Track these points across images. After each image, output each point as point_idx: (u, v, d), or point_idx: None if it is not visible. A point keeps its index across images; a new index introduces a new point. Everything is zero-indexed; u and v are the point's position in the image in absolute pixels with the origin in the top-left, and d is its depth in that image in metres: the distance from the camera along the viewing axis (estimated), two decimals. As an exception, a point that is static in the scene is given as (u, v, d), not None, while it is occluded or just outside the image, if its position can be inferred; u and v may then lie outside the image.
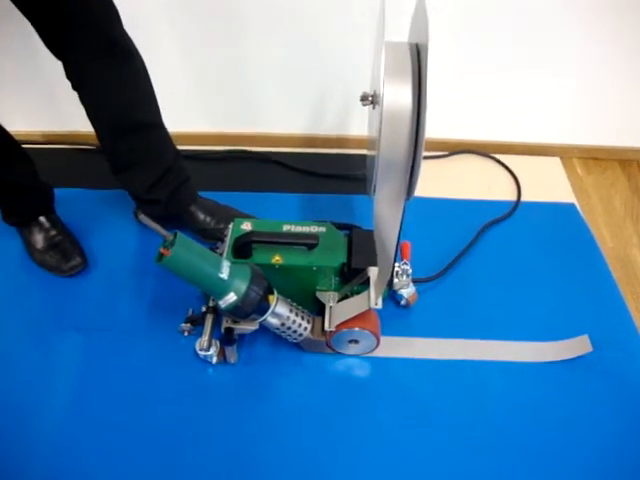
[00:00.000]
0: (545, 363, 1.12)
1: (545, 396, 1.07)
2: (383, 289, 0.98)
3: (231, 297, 0.96)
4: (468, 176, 1.57)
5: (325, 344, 1.08)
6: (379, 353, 1.11)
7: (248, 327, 1.03)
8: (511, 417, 1.04)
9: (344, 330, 1.04)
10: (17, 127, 1.55)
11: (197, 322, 1.12)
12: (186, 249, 0.93)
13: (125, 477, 0.96)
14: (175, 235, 0.92)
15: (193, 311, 1.15)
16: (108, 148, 1.19)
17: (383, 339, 1.11)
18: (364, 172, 0.91)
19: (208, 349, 1.06)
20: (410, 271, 1.13)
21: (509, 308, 1.22)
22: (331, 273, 1.06)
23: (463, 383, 1.09)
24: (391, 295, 1.18)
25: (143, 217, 0.92)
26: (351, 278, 1.06)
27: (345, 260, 1.06)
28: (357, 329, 1.04)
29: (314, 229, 1.11)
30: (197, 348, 1.07)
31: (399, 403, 1.06)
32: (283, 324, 1.02)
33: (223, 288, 0.95)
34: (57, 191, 1.32)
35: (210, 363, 1.09)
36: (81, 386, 1.07)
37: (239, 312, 0.98)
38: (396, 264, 1.13)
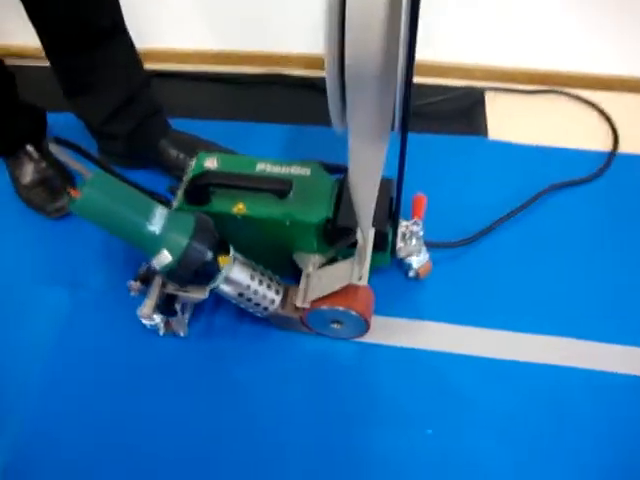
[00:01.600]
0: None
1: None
2: (367, 261, 0.71)
3: (165, 257, 0.72)
4: (550, 117, 1.20)
5: (300, 322, 0.83)
6: (373, 338, 0.85)
7: (195, 295, 0.79)
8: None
9: (323, 308, 0.79)
10: (21, 39, 1.35)
11: (149, 281, 0.90)
12: (102, 191, 0.69)
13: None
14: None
15: (149, 266, 0.92)
16: (57, 64, 0.95)
17: (380, 320, 0.85)
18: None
19: (151, 317, 0.84)
20: (422, 233, 0.85)
21: (576, 296, 0.90)
22: (311, 231, 0.80)
23: (492, 391, 0.81)
24: (397, 262, 0.90)
25: (53, 146, 0.69)
26: (337, 239, 0.80)
27: (330, 215, 0.79)
28: (341, 308, 0.78)
29: (295, 170, 0.84)
30: (138, 315, 0.84)
31: (393, 405, 0.80)
32: (241, 294, 0.78)
33: (154, 244, 0.72)
34: (54, 116, 1.10)
35: (157, 333, 0.87)
36: (41, 346, 0.89)
37: (177, 277, 0.74)
38: (404, 223, 0.85)
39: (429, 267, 0.88)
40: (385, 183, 0.83)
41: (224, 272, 0.75)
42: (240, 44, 1.32)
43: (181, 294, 0.79)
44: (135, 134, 1.01)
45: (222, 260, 0.76)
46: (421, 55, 1.25)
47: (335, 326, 0.83)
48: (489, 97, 1.24)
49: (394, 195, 0.79)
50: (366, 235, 0.70)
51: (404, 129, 0.56)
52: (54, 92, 1.00)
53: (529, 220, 0.99)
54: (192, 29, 1.29)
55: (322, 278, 0.79)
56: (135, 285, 0.89)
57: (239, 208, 0.80)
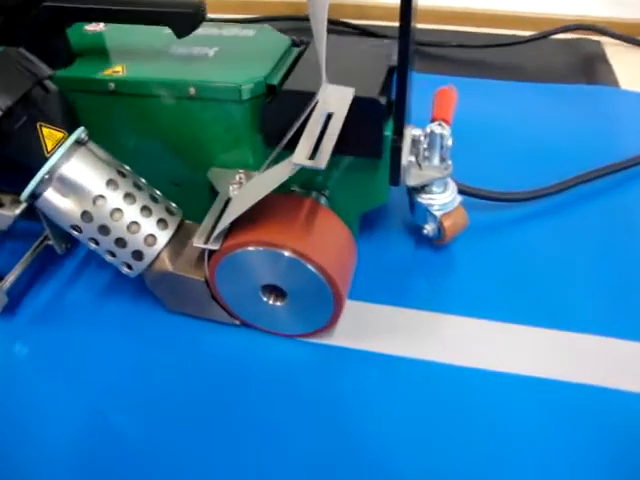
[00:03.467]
0: None
1: None
2: (333, 135, 0.34)
3: None
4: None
5: (208, 292, 0.43)
6: (353, 340, 0.44)
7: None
8: None
9: (248, 251, 0.39)
10: None
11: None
12: None
13: None
14: None
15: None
16: None
17: (373, 309, 0.44)
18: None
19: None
20: (450, 144, 0.46)
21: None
22: (237, 108, 0.42)
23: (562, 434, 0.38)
24: (405, 206, 0.51)
25: None
26: (282, 128, 0.41)
27: (275, 81, 0.42)
28: (285, 253, 0.38)
29: (230, 32, 0.48)
30: None
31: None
32: (88, 216, 0.39)
33: None
34: None
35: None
36: None
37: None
38: (417, 129, 0.46)
39: (462, 219, 0.48)
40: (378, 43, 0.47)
41: (52, 161, 0.38)
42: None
43: (-29, 207, 0.42)
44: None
45: (49, 136, 0.38)
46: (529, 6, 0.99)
47: (272, 302, 0.42)
48: (611, 51, 0.91)
49: (394, 61, 0.41)
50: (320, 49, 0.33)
51: None
52: None
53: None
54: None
55: (247, 192, 0.41)
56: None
57: (114, 70, 0.44)
